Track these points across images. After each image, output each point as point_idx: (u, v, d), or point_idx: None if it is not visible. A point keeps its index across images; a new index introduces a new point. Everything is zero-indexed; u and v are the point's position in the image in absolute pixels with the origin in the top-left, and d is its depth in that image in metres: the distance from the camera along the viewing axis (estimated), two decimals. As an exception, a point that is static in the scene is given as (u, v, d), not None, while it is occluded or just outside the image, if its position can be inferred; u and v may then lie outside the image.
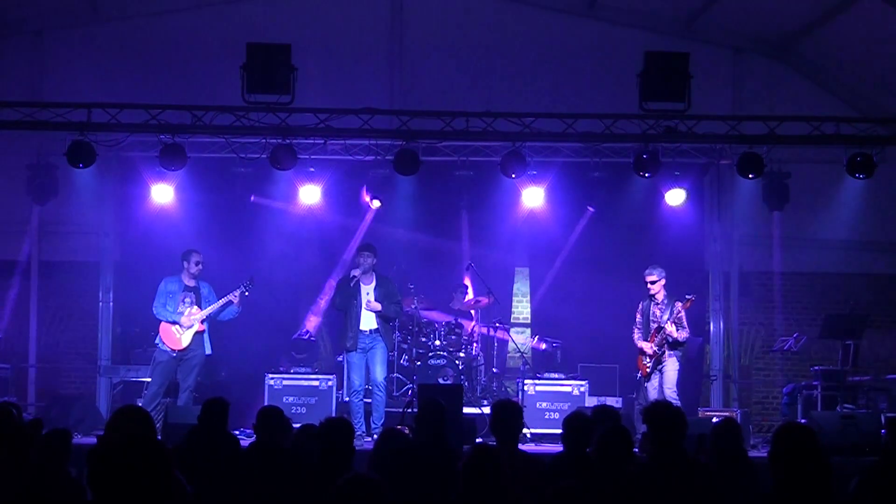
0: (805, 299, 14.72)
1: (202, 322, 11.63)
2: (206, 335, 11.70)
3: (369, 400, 11.75)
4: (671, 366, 11.41)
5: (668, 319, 11.33)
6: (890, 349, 14.32)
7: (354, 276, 11.54)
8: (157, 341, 11.69)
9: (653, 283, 11.53)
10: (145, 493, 3.47)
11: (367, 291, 11.63)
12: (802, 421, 11.56)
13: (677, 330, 11.31)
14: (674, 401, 10.87)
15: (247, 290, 11.78)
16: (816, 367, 12.90)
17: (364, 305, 11.58)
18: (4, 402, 7.02)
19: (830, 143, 11.72)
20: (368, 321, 11.64)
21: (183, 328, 11.56)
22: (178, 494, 4.70)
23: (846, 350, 12.82)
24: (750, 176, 11.84)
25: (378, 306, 11.58)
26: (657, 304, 11.51)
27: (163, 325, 11.63)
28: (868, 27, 13.08)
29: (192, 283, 11.73)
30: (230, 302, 11.65)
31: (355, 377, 11.66)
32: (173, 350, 11.56)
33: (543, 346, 13.74)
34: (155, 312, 11.70)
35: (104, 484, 3.53)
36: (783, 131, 11.74)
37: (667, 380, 11.38)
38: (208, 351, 11.74)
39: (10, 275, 13.93)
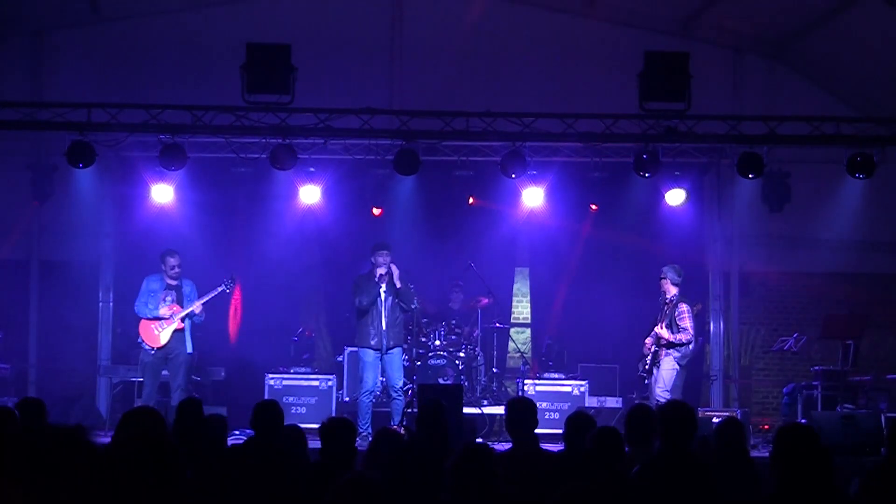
0: (805, 299, 14.73)
1: (182, 320, 11.65)
2: (186, 333, 11.73)
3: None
4: (665, 365, 11.29)
5: (661, 320, 11.32)
6: (890, 349, 14.33)
7: (382, 276, 11.49)
8: (139, 340, 11.76)
9: (660, 279, 11.52)
10: (155, 492, 3.48)
11: (383, 289, 11.60)
12: (802, 421, 11.57)
13: (670, 332, 11.25)
14: (662, 399, 10.84)
15: (228, 288, 11.80)
16: (816, 367, 12.90)
17: (394, 279, 11.49)
18: (30, 400, 7.00)
19: (830, 143, 11.72)
20: (387, 321, 11.61)
21: (164, 324, 11.59)
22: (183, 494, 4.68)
23: (846, 350, 12.82)
24: (750, 176, 11.84)
25: (398, 272, 11.52)
26: (665, 302, 11.48)
27: (142, 324, 11.70)
28: (868, 27, 13.09)
29: (173, 282, 11.77)
30: (194, 311, 11.68)
31: (369, 376, 11.62)
32: (152, 348, 11.62)
33: None
34: (137, 310, 11.80)
35: (116, 483, 3.53)
36: (783, 131, 11.74)
37: (659, 378, 11.27)
38: (189, 349, 11.77)
39: (10, 275, 13.93)
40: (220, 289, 11.84)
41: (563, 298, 14.15)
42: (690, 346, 11.44)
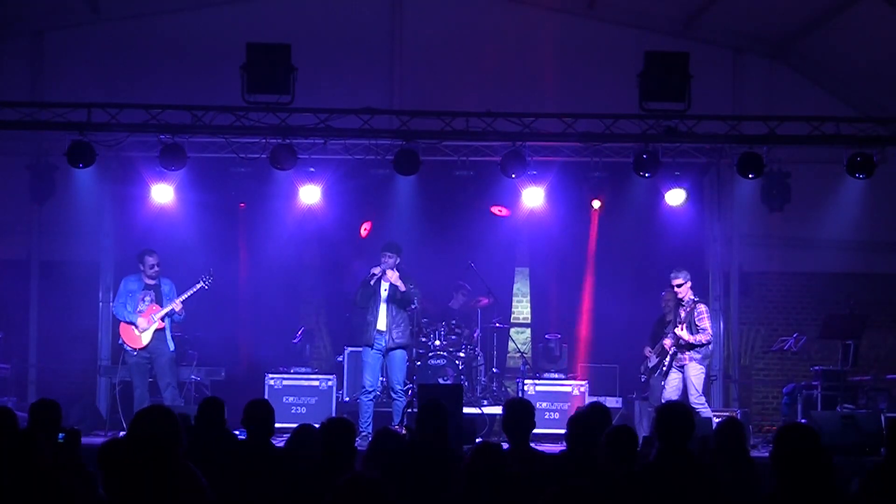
0: (805, 299, 14.73)
1: (162, 320, 11.65)
2: (167, 332, 11.74)
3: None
4: (692, 371, 11.23)
5: (681, 322, 11.29)
6: (890, 349, 14.33)
7: (374, 275, 11.51)
8: (120, 342, 11.77)
9: (679, 286, 11.43)
10: (154, 492, 3.49)
11: (385, 288, 11.60)
12: (803, 421, 11.56)
13: (690, 333, 11.23)
14: (701, 408, 10.85)
15: (206, 284, 11.81)
16: (816, 367, 12.89)
17: (389, 276, 11.45)
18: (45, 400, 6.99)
19: (830, 143, 11.71)
20: (385, 321, 11.62)
21: (140, 329, 11.61)
22: (194, 492, 4.68)
23: (846, 350, 12.80)
24: (750, 176, 11.83)
25: (396, 274, 11.45)
26: (682, 306, 11.44)
27: (123, 325, 11.72)
28: (868, 27, 13.09)
29: (152, 282, 11.77)
30: (174, 310, 11.67)
31: (368, 376, 11.61)
32: (134, 349, 11.63)
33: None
34: (115, 312, 11.83)
35: (115, 482, 3.55)
36: (783, 131, 11.74)
37: (689, 386, 11.22)
38: (171, 347, 11.78)
39: (10, 275, 13.92)
40: (198, 285, 11.82)
41: (562, 298, 14.15)
42: (710, 346, 11.48)
